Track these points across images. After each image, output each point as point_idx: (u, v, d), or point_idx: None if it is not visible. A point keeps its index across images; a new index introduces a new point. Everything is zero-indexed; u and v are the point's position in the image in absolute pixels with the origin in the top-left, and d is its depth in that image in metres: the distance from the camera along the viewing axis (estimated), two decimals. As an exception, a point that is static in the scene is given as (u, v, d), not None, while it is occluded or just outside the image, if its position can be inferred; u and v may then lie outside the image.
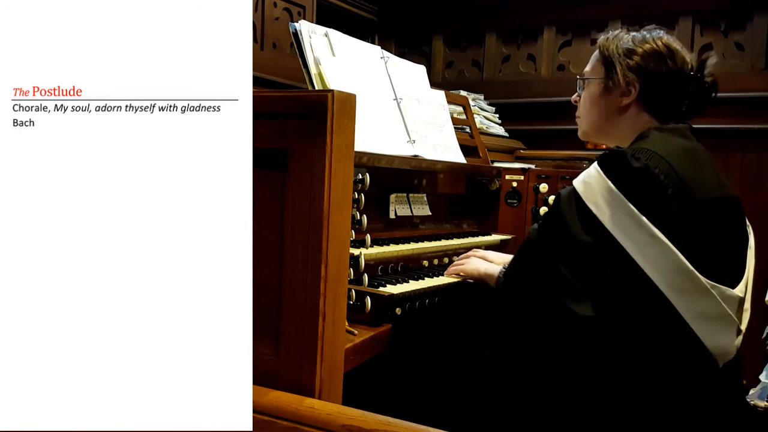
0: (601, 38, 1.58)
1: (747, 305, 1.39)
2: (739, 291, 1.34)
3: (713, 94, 1.52)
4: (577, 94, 1.64)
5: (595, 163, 1.36)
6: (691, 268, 1.27)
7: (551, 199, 2.37)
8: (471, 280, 1.73)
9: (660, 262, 1.26)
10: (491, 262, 1.76)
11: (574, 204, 1.34)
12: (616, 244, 1.28)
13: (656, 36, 1.51)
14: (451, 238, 2.09)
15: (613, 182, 1.30)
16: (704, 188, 1.35)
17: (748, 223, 1.49)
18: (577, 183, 1.37)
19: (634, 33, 1.54)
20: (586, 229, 1.31)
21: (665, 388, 1.28)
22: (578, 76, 1.65)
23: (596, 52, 1.58)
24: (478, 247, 2.15)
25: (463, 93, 2.89)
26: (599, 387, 1.30)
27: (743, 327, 1.35)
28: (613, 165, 1.33)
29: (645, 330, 1.29)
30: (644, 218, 1.27)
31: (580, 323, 1.29)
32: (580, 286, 1.30)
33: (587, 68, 1.61)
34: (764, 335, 2.26)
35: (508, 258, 1.73)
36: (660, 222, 1.27)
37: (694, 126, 1.51)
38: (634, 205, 1.28)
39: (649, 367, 1.29)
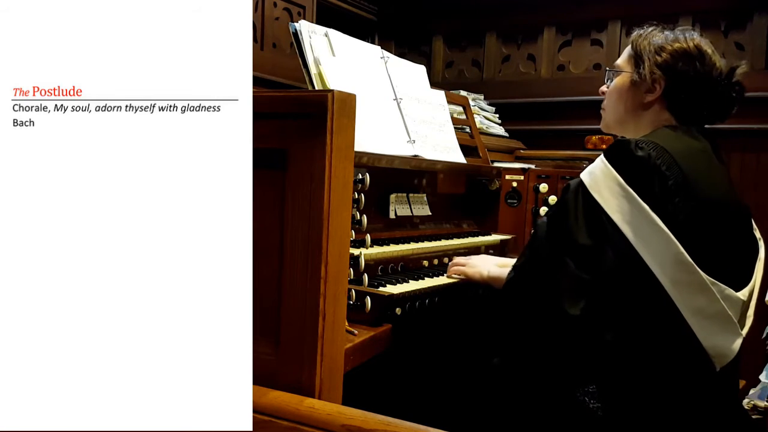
0: (635, 33, 1.59)
1: (750, 312, 1.39)
2: (742, 295, 1.34)
3: (737, 103, 1.52)
4: (606, 85, 1.65)
5: (601, 154, 1.38)
6: (691, 261, 1.27)
7: (551, 199, 2.37)
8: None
9: (661, 254, 1.27)
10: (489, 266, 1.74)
11: (581, 195, 1.35)
12: (619, 234, 1.28)
13: (689, 36, 1.51)
14: (451, 238, 2.09)
15: (617, 171, 1.32)
16: (709, 188, 1.35)
17: (759, 236, 1.50)
18: (584, 174, 1.38)
19: (667, 32, 1.54)
20: (589, 221, 1.32)
21: (661, 387, 1.28)
22: (607, 68, 1.67)
23: (628, 47, 1.59)
24: (478, 247, 2.16)
25: (463, 93, 2.89)
26: (596, 386, 1.30)
27: (744, 332, 1.34)
28: (617, 154, 1.34)
29: (642, 323, 1.28)
30: (647, 207, 1.27)
31: (569, 322, 1.29)
32: (582, 278, 1.30)
33: (618, 61, 1.62)
34: (764, 335, 2.26)
35: (505, 261, 1.72)
36: (662, 212, 1.27)
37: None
38: (637, 194, 1.29)
39: (646, 365, 1.28)
